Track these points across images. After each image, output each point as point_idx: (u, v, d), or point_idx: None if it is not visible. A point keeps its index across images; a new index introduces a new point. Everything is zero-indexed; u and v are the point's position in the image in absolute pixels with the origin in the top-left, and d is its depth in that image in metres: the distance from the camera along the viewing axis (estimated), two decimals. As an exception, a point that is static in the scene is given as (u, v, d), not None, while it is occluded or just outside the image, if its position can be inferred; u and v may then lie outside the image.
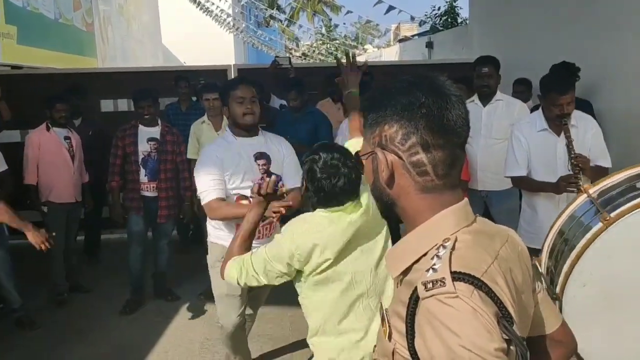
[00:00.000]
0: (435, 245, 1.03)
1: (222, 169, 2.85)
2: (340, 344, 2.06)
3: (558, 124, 3.11)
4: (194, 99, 5.73)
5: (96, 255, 5.78)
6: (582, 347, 1.95)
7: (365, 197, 2.09)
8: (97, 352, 3.83)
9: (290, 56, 6.72)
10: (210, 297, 4.61)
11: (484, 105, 4.09)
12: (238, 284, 2.07)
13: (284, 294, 4.55)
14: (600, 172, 3.03)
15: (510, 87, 5.22)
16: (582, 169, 2.97)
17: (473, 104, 4.15)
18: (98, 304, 4.63)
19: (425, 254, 1.04)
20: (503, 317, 0.93)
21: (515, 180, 3.38)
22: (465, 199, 1.10)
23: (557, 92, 3.07)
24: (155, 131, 4.49)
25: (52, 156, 4.61)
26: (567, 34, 5.09)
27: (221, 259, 2.55)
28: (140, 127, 4.45)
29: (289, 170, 3.02)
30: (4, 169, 4.14)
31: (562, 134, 3.11)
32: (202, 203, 2.84)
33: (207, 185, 2.81)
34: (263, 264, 2.01)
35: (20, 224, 3.31)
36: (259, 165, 2.95)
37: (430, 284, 0.93)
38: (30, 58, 8.76)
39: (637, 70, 4.15)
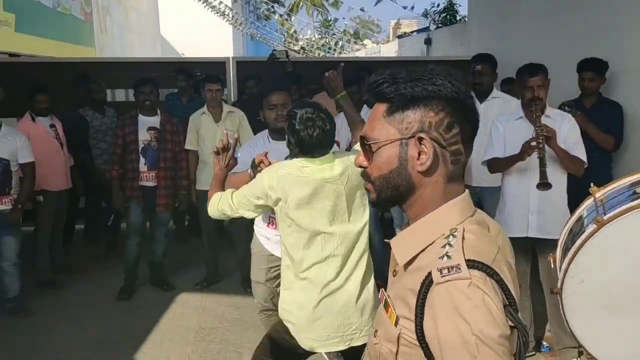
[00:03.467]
0: (443, 234, 1.06)
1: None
2: (302, 291, 2.34)
3: (532, 110, 3.18)
4: (193, 90, 5.75)
5: (97, 243, 5.79)
6: (585, 341, 2.03)
7: (340, 166, 2.33)
8: (91, 339, 3.87)
9: (287, 50, 6.74)
10: (205, 287, 4.70)
11: (481, 103, 4.14)
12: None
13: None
14: (577, 162, 3.19)
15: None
16: (547, 136, 3.06)
17: (469, 101, 4.19)
18: (94, 292, 4.67)
19: (431, 243, 1.07)
20: (509, 304, 0.99)
21: (489, 163, 3.47)
22: (467, 190, 1.13)
23: (528, 74, 3.19)
24: (155, 120, 4.53)
25: (43, 146, 4.61)
26: (566, 32, 5.12)
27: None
28: (140, 116, 4.49)
29: None
30: (30, 160, 4.20)
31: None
32: None
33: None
34: (240, 197, 2.37)
35: None
36: None
37: (446, 270, 0.98)
38: (28, 46, 8.75)
39: (638, 68, 4.16)
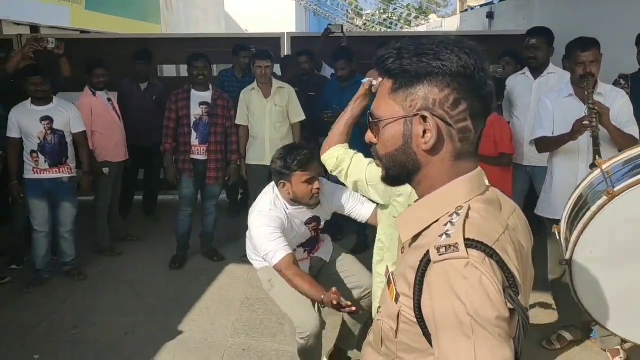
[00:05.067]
0: (448, 212, 1.04)
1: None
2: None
3: (582, 87, 3.03)
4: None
5: (153, 213, 6.07)
6: (592, 309, 2.05)
7: None
8: (143, 303, 4.09)
9: (343, 24, 6.69)
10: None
11: (535, 78, 3.98)
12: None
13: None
14: (628, 140, 3.01)
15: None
16: (599, 113, 2.91)
17: (524, 77, 4.05)
18: (149, 259, 4.90)
19: (436, 221, 1.05)
20: (510, 286, 0.96)
21: (538, 142, 3.33)
22: (479, 167, 1.10)
23: (579, 49, 3.03)
24: (207, 95, 4.63)
25: (104, 119, 4.83)
26: (635, 5, 4.79)
27: (272, 278, 2.87)
28: (193, 91, 4.61)
29: (345, 201, 2.99)
30: (83, 129, 4.41)
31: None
32: (275, 262, 2.63)
33: (275, 244, 2.65)
34: (358, 176, 2.16)
35: None
36: (309, 228, 2.98)
37: (444, 248, 0.96)
38: (97, 23, 9.12)
39: None
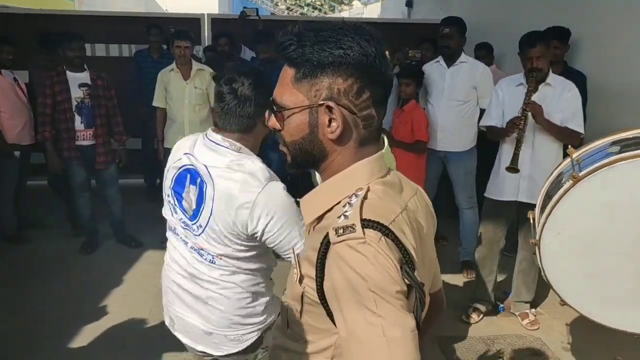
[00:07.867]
0: (348, 194, 1.06)
1: None
2: None
3: (531, 78, 3.20)
4: (165, 47, 5.68)
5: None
6: (558, 285, 2.23)
7: None
8: (55, 293, 3.92)
9: (258, 8, 6.66)
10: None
11: (448, 67, 4.13)
12: None
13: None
14: (568, 134, 3.18)
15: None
16: (533, 114, 3.11)
17: (438, 65, 4.19)
18: (59, 246, 4.70)
19: (338, 203, 1.07)
20: (406, 263, 0.99)
21: (488, 130, 3.55)
22: (381, 151, 1.13)
23: (527, 45, 3.19)
24: (85, 76, 4.36)
25: (11, 99, 4.54)
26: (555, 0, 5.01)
27: None
28: (69, 73, 4.31)
29: None
30: None
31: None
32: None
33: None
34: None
35: None
36: None
37: (341, 229, 0.98)
38: (2, -4, 8.51)
39: (634, 43, 3.94)
